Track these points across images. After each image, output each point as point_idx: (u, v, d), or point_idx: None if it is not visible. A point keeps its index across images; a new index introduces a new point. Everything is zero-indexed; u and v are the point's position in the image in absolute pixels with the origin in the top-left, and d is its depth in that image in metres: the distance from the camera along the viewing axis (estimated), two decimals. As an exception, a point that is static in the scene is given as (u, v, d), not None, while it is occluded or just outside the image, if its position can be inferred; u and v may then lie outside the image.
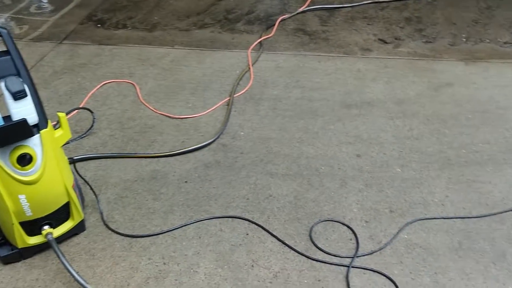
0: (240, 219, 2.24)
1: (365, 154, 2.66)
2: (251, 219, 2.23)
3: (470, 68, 3.48)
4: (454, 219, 2.23)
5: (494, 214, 2.25)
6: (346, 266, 2.00)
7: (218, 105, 3.06)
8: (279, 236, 2.14)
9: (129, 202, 2.33)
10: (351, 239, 2.14)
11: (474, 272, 1.97)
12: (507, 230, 2.16)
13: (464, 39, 3.91)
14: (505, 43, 3.84)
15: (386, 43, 3.87)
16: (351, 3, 4.47)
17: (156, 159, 2.60)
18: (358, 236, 2.14)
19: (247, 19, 4.23)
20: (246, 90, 3.21)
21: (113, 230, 2.17)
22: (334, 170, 2.54)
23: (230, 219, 2.24)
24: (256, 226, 2.20)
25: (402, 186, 2.43)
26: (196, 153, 2.65)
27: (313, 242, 2.12)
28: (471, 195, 2.36)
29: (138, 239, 2.14)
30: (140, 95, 3.15)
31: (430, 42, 3.88)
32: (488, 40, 3.89)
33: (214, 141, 2.72)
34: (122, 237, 2.15)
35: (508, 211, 2.26)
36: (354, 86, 3.28)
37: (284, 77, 3.37)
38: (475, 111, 3.00)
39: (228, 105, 3.04)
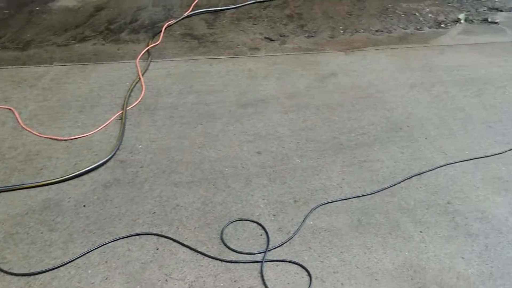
0: (148, 235, 2.16)
1: (266, 150, 2.73)
2: (159, 233, 2.16)
3: (349, 58, 3.76)
4: (352, 199, 2.39)
5: (385, 188, 2.46)
6: (259, 262, 2.04)
7: (110, 120, 2.91)
8: (190, 245, 2.11)
9: (21, 238, 2.12)
10: (261, 235, 2.18)
11: (374, 245, 2.13)
12: (398, 201, 2.38)
13: (342, 31, 4.21)
14: (377, 31, 4.22)
15: (272, 40, 4.02)
16: (235, 5, 4.56)
17: (47, 187, 2.40)
18: (267, 230, 2.19)
19: (131, 28, 4.10)
20: (139, 101, 3.11)
21: (5, 272, 1.96)
22: (238, 170, 2.57)
23: (137, 237, 2.15)
24: (166, 239, 2.14)
25: (303, 175, 2.55)
26: (92, 174, 2.50)
27: (225, 245, 2.12)
28: (364, 175, 2.55)
29: (37, 276, 1.95)
30: (20, 120, 2.88)
31: (312, 36, 4.11)
32: (362, 30, 4.23)
33: (110, 158, 2.59)
34: (18, 277, 1.95)
35: (396, 184, 2.48)
36: (247, 86, 3.35)
37: (177, 83, 3.33)
38: (359, 97, 3.25)
39: (121, 119, 2.92)
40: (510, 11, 4.65)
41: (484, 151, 2.71)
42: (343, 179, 2.52)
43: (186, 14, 4.31)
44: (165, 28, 4.05)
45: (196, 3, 4.56)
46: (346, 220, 2.27)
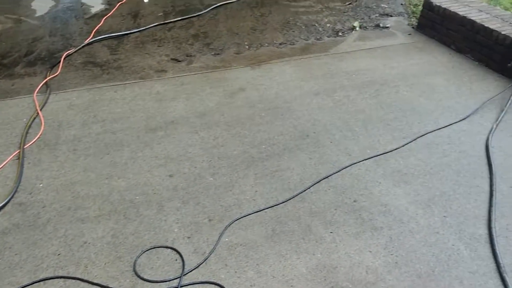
0: (54, 279, 2.02)
1: (177, 172, 2.70)
2: (66, 275, 2.03)
3: (256, 72, 3.86)
4: (265, 210, 2.43)
5: (296, 195, 2.53)
6: (175, 287, 2.00)
7: (6, 161, 2.71)
8: (101, 283, 2.00)
9: None
10: (176, 260, 2.14)
11: (289, 252, 2.17)
12: (308, 205, 2.45)
13: (247, 46, 4.31)
14: (280, 44, 4.37)
15: (179, 61, 4.01)
16: (138, 28, 4.50)
17: None
18: (182, 254, 2.15)
19: (26, 61, 3.88)
20: (38, 138, 2.93)
21: None
22: (150, 197, 2.51)
23: (41, 283, 2.00)
24: (73, 281, 2.02)
25: (216, 193, 2.54)
26: (-14, 222, 2.30)
27: (138, 276, 2.04)
28: (276, 184, 2.60)
29: None
30: None
31: (219, 54, 4.16)
32: (267, 44, 4.36)
33: (7, 203, 2.41)
34: None
35: (306, 189, 2.56)
36: (155, 109, 3.30)
37: (80, 114, 3.19)
38: (267, 109, 3.33)
39: (18, 158, 2.73)
40: (399, 16, 5.06)
41: (383, 148, 2.89)
42: (256, 191, 2.56)
43: (86, 41, 4.17)
44: (64, 58, 3.88)
45: (97, 29, 4.44)
46: (260, 231, 2.29)
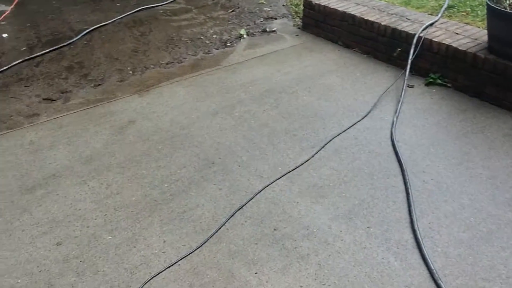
0: None
1: (67, 237, 2.26)
2: None
3: (145, 99, 3.49)
4: (178, 263, 2.10)
5: (211, 236, 2.24)
6: None
7: None
8: None
9: None
10: None
11: (213, 310, 1.87)
12: (227, 246, 2.18)
13: (131, 72, 3.91)
14: (167, 63, 4.04)
15: (53, 100, 3.49)
16: (-2, 69, 3.86)
17: None
18: None
19: None
20: None
21: None
22: (35, 276, 2.05)
23: None
24: None
25: (117, 254, 2.16)
26: None
27: None
28: (186, 228, 2.29)
29: None
30: None
31: (99, 84, 3.71)
32: (152, 66, 4.00)
33: None
34: None
35: (221, 227, 2.29)
36: (31, 163, 2.79)
37: None
38: (164, 139, 2.99)
39: None
40: (283, 18, 5.01)
41: (294, 162, 2.72)
42: (164, 241, 2.22)
43: None
44: None
45: None
46: (176, 292, 1.97)
